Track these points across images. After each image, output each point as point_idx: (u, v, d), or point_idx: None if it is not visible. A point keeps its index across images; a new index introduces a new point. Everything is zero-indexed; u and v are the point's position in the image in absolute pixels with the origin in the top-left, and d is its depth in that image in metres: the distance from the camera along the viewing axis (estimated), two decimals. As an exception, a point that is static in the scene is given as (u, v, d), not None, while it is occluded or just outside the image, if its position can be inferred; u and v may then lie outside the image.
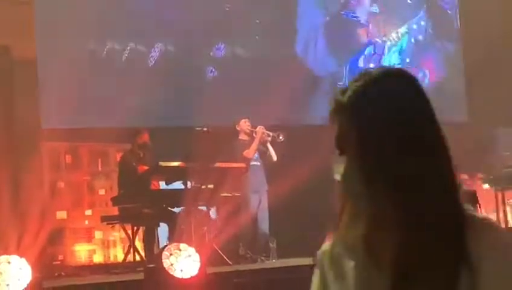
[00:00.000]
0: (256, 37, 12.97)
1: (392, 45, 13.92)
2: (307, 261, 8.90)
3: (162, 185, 10.23)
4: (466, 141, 11.22)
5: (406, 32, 14.05)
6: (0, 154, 9.58)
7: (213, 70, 12.56)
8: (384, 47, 13.88)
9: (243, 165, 10.33)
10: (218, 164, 9.90)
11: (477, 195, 5.43)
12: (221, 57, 12.67)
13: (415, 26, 14.10)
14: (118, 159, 10.66)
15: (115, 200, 9.96)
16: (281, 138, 10.74)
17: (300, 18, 13.33)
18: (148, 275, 7.85)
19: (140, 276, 8.02)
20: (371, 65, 13.50)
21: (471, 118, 13.44)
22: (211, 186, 9.90)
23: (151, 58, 12.06)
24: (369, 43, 13.83)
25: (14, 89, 10.35)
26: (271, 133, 10.73)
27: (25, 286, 7.11)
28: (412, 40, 14.09)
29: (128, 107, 11.09)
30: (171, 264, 7.73)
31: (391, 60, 13.85)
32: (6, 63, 10.35)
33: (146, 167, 9.79)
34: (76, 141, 11.23)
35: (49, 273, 8.87)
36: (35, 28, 11.02)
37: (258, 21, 13.01)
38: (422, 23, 14.14)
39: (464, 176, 10.79)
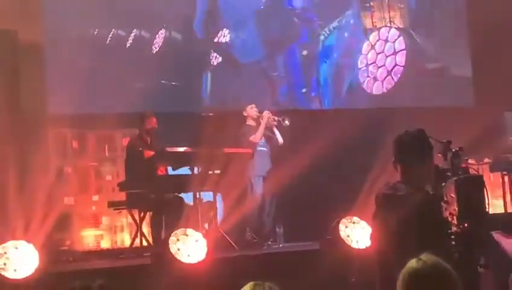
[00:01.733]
0: (259, 21, 12.95)
1: (327, 35, 13.58)
2: (313, 245, 8.93)
3: (170, 170, 10.23)
4: (473, 126, 11.22)
5: (336, 28, 13.67)
6: (6, 140, 9.58)
7: (217, 56, 12.54)
8: (319, 35, 13.51)
9: (249, 150, 10.33)
10: (224, 150, 9.90)
11: (484, 180, 5.40)
12: (225, 43, 12.65)
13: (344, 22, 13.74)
14: (125, 144, 10.66)
15: (122, 186, 9.97)
16: (286, 122, 10.74)
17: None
18: (155, 260, 7.87)
19: (147, 261, 8.05)
20: (304, 52, 13.35)
21: (478, 103, 13.40)
22: (217, 171, 9.90)
23: (155, 45, 12.05)
24: (304, 31, 13.52)
25: (21, 74, 10.35)
26: (276, 118, 10.74)
27: (32, 271, 7.13)
28: (346, 35, 13.75)
29: (134, 93, 11.11)
30: (178, 249, 7.75)
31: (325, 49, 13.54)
32: (13, 48, 10.34)
33: (152, 152, 9.77)
34: (83, 127, 11.23)
35: (56, 258, 8.90)
36: (43, 13, 11.00)
37: (262, 7, 12.98)
38: (352, 21, 13.78)
39: (471, 161, 10.77)
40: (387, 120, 11.07)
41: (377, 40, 13.84)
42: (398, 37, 13.91)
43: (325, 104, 13.32)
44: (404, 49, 13.88)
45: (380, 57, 13.82)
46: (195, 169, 9.75)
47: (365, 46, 13.78)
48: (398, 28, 13.97)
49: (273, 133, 10.74)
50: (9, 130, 9.72)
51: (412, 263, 3.24)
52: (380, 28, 13.88)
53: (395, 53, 13.84)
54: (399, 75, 13.75)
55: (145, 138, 9.98)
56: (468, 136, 9.35)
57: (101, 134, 11.50)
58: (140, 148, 9.80)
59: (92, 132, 11.39)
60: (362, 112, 12.62)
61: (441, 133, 5.33)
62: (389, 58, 13.89)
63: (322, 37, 13.42)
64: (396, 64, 13.81)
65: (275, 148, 10.79)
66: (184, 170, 9.94)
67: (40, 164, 10.24)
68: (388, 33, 13.91)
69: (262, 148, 10.65)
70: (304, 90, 13.18)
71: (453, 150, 5.23)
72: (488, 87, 12.74)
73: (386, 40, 13.87)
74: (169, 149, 9.60)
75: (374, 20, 13.90)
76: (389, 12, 13.99)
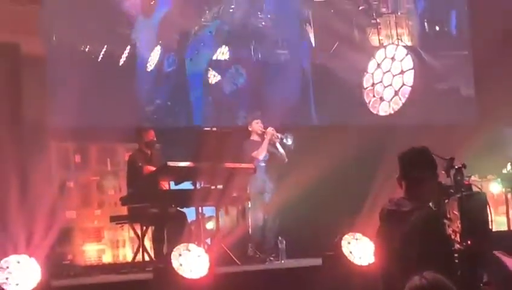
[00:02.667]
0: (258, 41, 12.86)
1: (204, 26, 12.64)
2: (316, 261, 8.90)
3: (172, 185, 10.23)
4: (476, 142, 11.21)
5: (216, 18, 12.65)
6: (8, 153, 9.57)
7: (215, 74, 12.43)
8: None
9: (251, 165, 10.32)
10: (227, 165, 9.89)
11: (487, 197, 5.40)
12: (224, 60, 12.56)
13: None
14: (127, 158, 10.66)
15: (124, 200, 9.96)
16: (289, 140, 10.72)
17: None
18: (157, 275, 7.84)
19: (149, 276, 8.02)
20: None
21: (481, 119, 13.37)
22: (220, 186, 9.89)
23: (150, 62, 12.01)
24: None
25: (23, 87, 10.36)
26: (279, 135, 10.74)
27: (34, 285, 7.11)
28: (226, 28, 12.69)
29: (136, 108, 11.13)
30: (180, 265, 7.73)
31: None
32: (15, 61, 10.36)
33: (152, 168, 9.76)
34: (85, 141, 11.23)
35: (58, 273, 8.87)
36: (44, 26, 11.02)
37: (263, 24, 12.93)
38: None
39: (474, 178, 10.74)
40: (390, 136, 11.06)
41: (384, 59, 13.51)
42: (406, 55, 13.56)
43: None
44: (412, 68, 13.52)
45: (386, 76, 13.44)
46: (198, 184, 9.74)
47: (371, 65, 13.41)
48: (405, 46, 13.62)
49: (277, 149, 10.75)
50: (12, 144, 9.70)
51: (415, 280, 3.23)
52: (387, 45, 13.55)
53: (402, 72, 13.50)
54: (407, 96, 13.38)
55: (145, 151, 9.98)
56: (472, 152, 9.35)
57: (104, 148, 11.51)
58: (140, 164, 9.80)
59: (94, 146, 11.40)
60: (366, 128, 12.55)
61: (443, 150, 5.33)
62: (396, 78, 13.51)
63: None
64: (403, 84, 13.46)
65: (279, 164, 10.78)
66: (186, 185, 9.93)
67: (42, 177, 10.23)
68: (395, 51, 13.56)
69: (261, 164, 10.66)
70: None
71: (456, 167, 5.24)
72: (491, 103, 12.71)
73: (393, 59, 13.54)
74: (171, 164, 9.58)
75: (380, 38, 13.56)
76: (397, 29, 13.66)
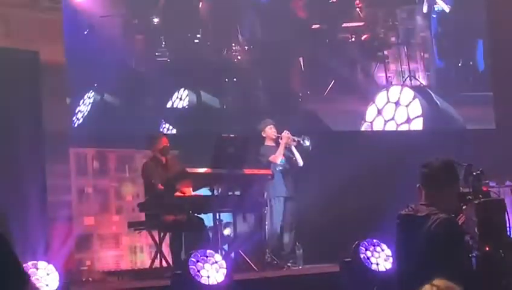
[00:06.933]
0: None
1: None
2: (333, 267, 8.89)
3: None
4: (494, 148, 11.15)
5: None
6: (28, 159, 9.62)
7: (170, 128, 11.44)
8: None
9: (268, 171, 10.31)
10: (244, 171, 9.88)
11: (505, 203, 5.39)
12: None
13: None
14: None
15: (142, 206, 9.97)
16: (306, 142, 10.67)
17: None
18: (175, 281, 7.86)
19: (167, 282, 8.04)
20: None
21: (500, 125, 13.28)
22: (237, 192, 9.90)
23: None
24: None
25: (42, 94, 10.41)
26: (296, 138, 10.70)
27: (53, 291, 7.14)
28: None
29: (156, 114, 11.15)
30: (198, 271, 7.74)
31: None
32: (35, 68, 10.40)
33: (162, 187, 9.64)
34: (104, 147, 11.28)
35: (76, 278, 8.91)
36: (63, 33, 11.08)
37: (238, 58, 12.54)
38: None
39: (492, 184, 10.70)
40: (410, 142, 11.00)
41: (386, 103, 11.27)
42: (413, 99, 11.14)
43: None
44: (420, 116, 11.25)
45: (389, 125, 11.15)
46: (215, 190, 9.74)
47: (370, 111, 11.20)
48: (412, 87, 11.21)
49: (293, 153, 10.72)
50: (31, 150, 9.76)
51: (426, 288, 3.22)
52: (389, 87, 11.15)
53: (409, 120, 11.21)
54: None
55: (160, 158, 9.94)
56: (490, 158, 9.31)
57: (122, 154, 11.54)
58: (153, 181, 9.75)
59: (112, 152, 11.44)
60: (385, 134, 12.36)
61: (462, 156, 5.33)
62: (401, 128, 11.18)
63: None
64: None
65: (295, 168, 10.76)
66: (204, 191, 9.93)
67: (61, 183, 10.29)
68: (400, 94, 11.18)
69: (282, 169, 10.63)
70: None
71: (474, 173, 5.23)
72: (510, 109, 12.62)
73: (397, 103, 11.18)
74: (189, 170, 9.59)
75: (388, 75, 11.27)
76: (409, 63, 11.30)
